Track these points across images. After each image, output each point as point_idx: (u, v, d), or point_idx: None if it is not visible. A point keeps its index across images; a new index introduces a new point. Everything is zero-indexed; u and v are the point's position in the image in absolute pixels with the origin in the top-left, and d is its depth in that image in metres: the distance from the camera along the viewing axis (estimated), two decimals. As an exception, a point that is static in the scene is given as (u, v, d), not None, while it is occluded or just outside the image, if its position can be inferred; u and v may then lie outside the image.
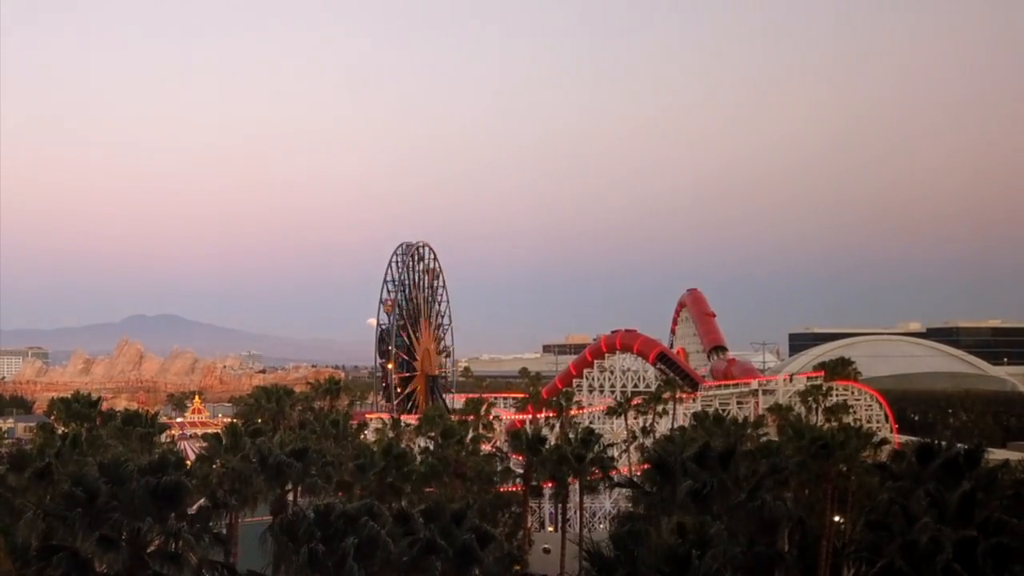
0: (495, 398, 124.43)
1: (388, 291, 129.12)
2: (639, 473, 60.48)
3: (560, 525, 73.28)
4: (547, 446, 66.76)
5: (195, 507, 39.89)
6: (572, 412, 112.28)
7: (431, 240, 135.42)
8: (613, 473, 68.11)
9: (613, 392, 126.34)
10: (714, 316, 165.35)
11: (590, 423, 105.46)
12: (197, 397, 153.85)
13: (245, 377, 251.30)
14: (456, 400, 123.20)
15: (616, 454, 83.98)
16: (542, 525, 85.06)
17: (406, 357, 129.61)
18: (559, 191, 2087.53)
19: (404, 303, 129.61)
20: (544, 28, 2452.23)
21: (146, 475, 37.01)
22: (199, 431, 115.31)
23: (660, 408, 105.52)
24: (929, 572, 29.72)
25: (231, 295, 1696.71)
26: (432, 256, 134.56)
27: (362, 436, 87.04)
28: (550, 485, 70.37)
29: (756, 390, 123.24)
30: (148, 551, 34.65)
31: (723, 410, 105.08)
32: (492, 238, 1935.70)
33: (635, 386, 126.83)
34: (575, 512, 74.18)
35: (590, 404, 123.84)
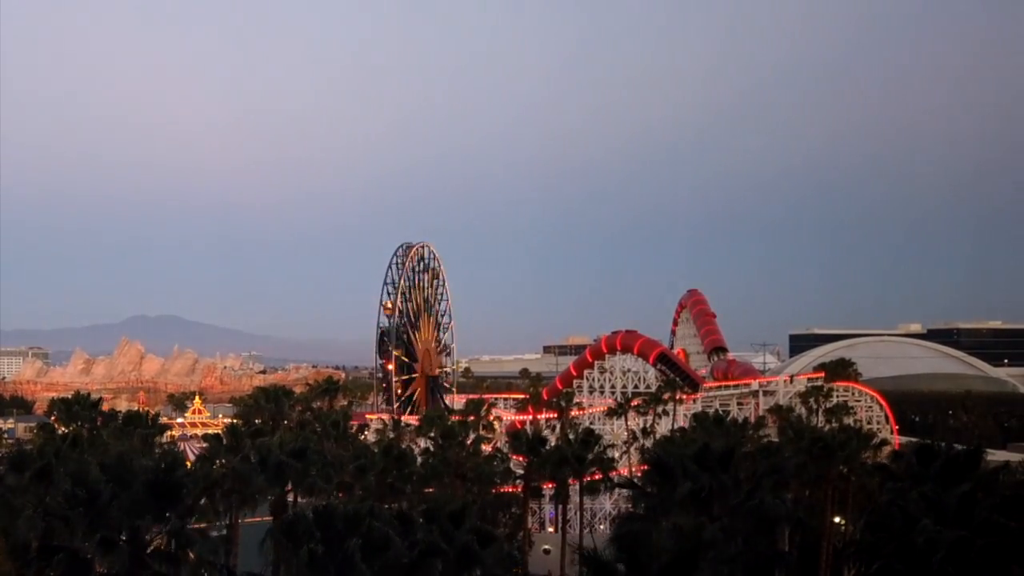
0: (495, 399, 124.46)
1: (388, 292, 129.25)
2: (639, 474, 60.52)
3: (560, 526, 73.35)
4: (547, 447, 66.84)
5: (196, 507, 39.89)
6: (572, 413, 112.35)
7: (432, 240, 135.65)
8: (613, 474, 68.22)
9: (613, 393, 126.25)
10: (715, 317, 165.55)
11: (590, 424, 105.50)
12: (198, 397, 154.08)
13: (245, 378, 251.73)
14: (456, 401, 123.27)
15: (616, 455, 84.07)
16: (542, 526, 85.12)
17: (406, 358, 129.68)
18: (560, 191, 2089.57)
19: (404, 303, 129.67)
20: (547, 28, 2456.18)
21: (146, 475, 37.07)
22: (199, 431, 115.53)
23: (660, 409, 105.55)
24: (926, 573, 29.76)
25: (231, 295, 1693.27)
26: (433, 256, 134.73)
27: (362, 437, 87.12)
28: (550, 486, 70.45)
29: (757, 391, 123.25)
30: (148, 551, 34.69)
31: (723, 411, 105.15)
32: (493, 238, 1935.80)
33: (635, 387, 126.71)
34: (575, 513, 74.24)
35: (590, 405, 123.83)
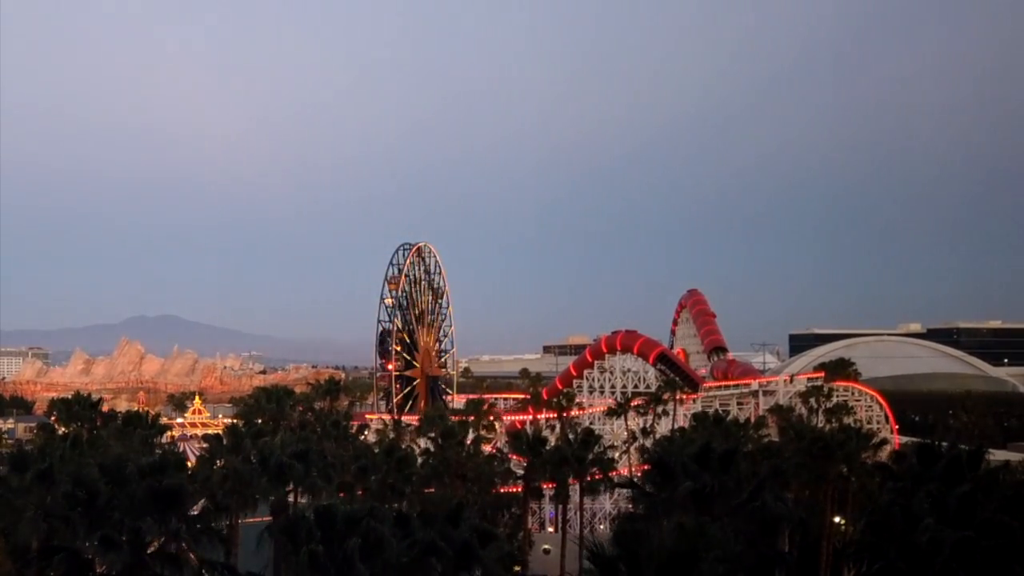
0: (495, 399, 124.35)
1: (388, 292, 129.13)
2: (639, 474, 60.51)
3: (560, 526, 73.39)
4: (547, 447, 66.81)
5: (196, 508, 39.85)
6: (572, 413, 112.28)
7: (432, 239, 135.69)
8: (613, 474, 68.21)
9: (613, 393, 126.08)
10: (715, 317, 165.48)
11: (590, 424, 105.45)
12: (197, 398, 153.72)
13: (245, 378, 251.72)
14: (456, 401, 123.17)
15: (616, 455, 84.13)
16: (542, 526, 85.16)
17: (407, 357, 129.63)
18: (560, 191, 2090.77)
19: (405, 303, 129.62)
20: (547, 29, 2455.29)
21: (146, 476, 37.05)
22: (199, 432, 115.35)
23: (660, 409, 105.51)
24: (929, 573, 29.77)
25: (231, 295, 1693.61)
26: (433, 256, 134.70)
27: (362, 437, 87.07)
28: (550, 486, 70.43)
29: (756, 391, 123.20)
30: (149, 552, 34.66)
31: (723, 411, 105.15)
32: (493, 238, 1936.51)
33: (635, 387, 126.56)
34: (575, 513, 74.25)
35: (590, 405, 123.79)
